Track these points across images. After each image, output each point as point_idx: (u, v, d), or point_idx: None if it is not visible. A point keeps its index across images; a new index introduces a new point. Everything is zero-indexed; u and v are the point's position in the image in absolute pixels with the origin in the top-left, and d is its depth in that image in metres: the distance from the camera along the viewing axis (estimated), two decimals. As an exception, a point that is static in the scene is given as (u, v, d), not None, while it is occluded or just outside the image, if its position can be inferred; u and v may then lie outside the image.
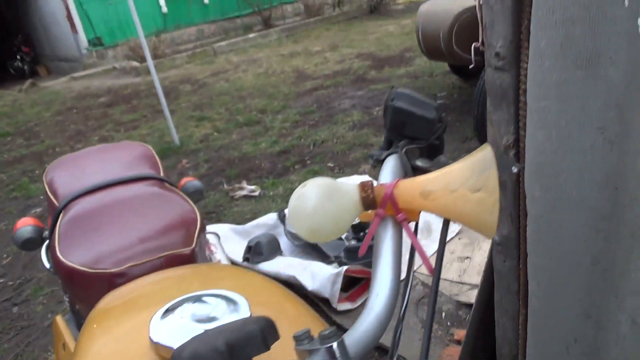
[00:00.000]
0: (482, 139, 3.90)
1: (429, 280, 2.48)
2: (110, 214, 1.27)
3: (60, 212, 1.32)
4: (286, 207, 3.16)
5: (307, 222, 0.49)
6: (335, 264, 2.42)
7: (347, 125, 4.53)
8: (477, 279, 2.61)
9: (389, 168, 0.54)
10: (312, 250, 2.60)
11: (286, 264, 2.39)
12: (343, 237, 2.68)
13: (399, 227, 0.51)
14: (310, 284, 2.27)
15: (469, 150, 2.92)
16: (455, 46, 3.86)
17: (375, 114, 4.81)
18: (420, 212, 0.51)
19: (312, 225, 0.49)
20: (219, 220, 3.24)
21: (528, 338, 1.09)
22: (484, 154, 0.46)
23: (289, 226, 2.81)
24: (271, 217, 2.98)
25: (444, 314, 2.36)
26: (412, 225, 0.50)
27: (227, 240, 2.74)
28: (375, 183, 0.51)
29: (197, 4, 11.31)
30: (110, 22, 10.37)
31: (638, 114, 0.77)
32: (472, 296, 2.38)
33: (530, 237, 0.99)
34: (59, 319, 1.29)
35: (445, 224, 0.50)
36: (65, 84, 9.20)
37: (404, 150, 0.55)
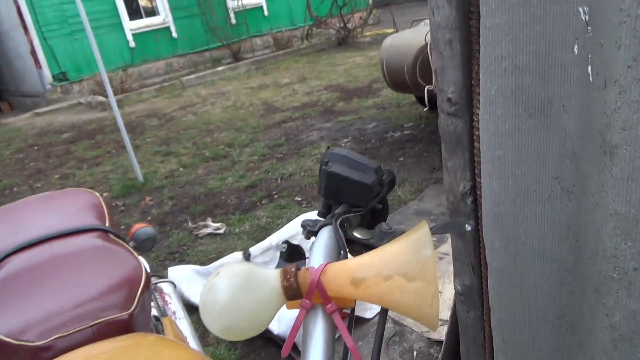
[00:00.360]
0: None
1: (399, 318, 2.41)
2: (43, 274, 1.16)
3: (-5, 270, 1.21)
4: (252, 245, 3.06)
5: (220, 320, 0.41)
6: (301, 307, 2.33)
7: (315, 158, 4.49)
8: (447, 313, 2.55)
9: (320, 246, 0.48)
10: (278, 292, 2.50)
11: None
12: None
13: (329, 316, 0.44)
14: (276, 328, 2.18)
15: (437, 181, 2.88)
16: (420, 79, 3.89)
17: (342, 145, 4.79)
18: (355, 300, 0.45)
19: (225, 323, 0.41)
20: (182, 261, 3.11)
21: (497, 395, 1.02)
22: (420, 235, 0.39)
23: (254, 264, 2.72)
24: (236, 257, 2.87)
25: (415, 353, 2.28)
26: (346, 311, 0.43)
27: (190, 283, 2.62)
28: (301, 266, 0.44)
29: (165, 38, 11.28)
30: (75, 57, 10.22)
31: (593, 165, 0.73)
32: (443, 332, 2.31)
33: (492, 290, 0.93)
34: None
35: (384, 313, 0.43)
36: (28, 120, 8.95)
37: (339, 221, 0.49)
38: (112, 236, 1.35)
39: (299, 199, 3.78)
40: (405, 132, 4.92)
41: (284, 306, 0.41)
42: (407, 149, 4.47)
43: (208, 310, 0.42)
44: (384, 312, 0.44)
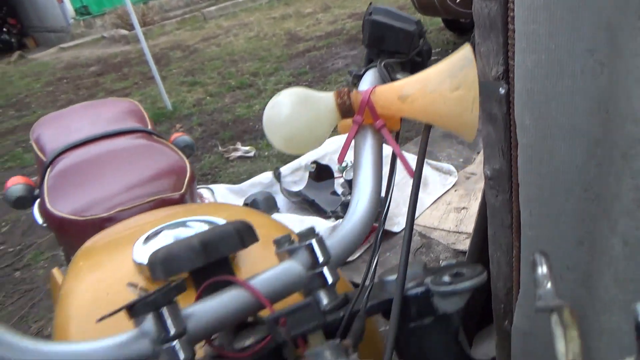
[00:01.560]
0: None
1: (426, 231, 2.50)
2: (97, 166, 1.26)
3: (48, 166, 1.31)
4: (282, 166, 3.15)
5: (282, 131, 0.47)
6: (332, 219, 2.43)
7: (341, 85, 4.48)
8: (471, 227, 2.63)
9: (368, 78, 0.53)
10: (309, 207, 2.61)
11: (283, 220, 2.40)
12: (339, 192, 2.69)
13: (378, 135, 0.50)
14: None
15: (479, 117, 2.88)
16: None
17: (369, 72, 4.74)
18: (400, 119, 0.50)
19: (287, 134, 0.47)
20: (214, 181, 3.23)
21: (521, 269, 1.09)
22: (462, 53, 0.44)
23: (284, 183, 2.81)
24: (267, 176, 2.97)
25: (442, 262, 2.39)
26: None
27: (223, 199, 2.74)
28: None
29: (185, -32, 10.99)
30: (96, -10, 10.11)
31: (628, 31, 0.75)
32: (467, 244, 2.40)
33: (521, 167, 0.97)
34: (55, 271, 1.30)
35: (426, 129, 0.49)
36: (54, 55, 9.03)
37: (382, 63, 0.53)
38: (155, 137, 1.43)
39: (326, 124, 3.82)
40: (432, 59, 4.84)
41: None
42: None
43: (272, 122, 0.48)
44: (427, 128, 0.49)
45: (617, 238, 0.88)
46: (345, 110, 0.47)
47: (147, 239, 0.60)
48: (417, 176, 0.45)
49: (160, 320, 0.34)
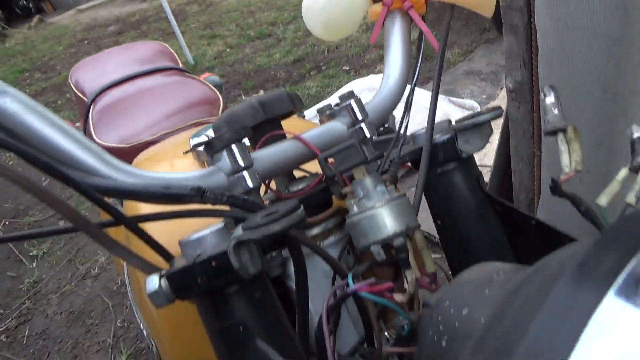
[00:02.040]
0: (499, 27, 3.79)
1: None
2: (137, 100, 1.33)
3: (90, 105, 1.39)
4: (305, 110, 3.20)
5: (321, 17, 0.53)
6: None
7: (360, 29, 4.43)
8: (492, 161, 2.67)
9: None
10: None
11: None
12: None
13: (406, 18, 0.55)
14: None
15: (487, 41, 2.85)
16: None
17: (388, 14, 4.66)
18: (426, 2, 0.55)
19: (325, 20, 0.53)
20: (241, 129, 3.31)
21: (543, 177, 1.15)
22: None
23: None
24: (291, 120, 3.03)
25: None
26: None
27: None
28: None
29: None
30: (108, -52, 9.98)
31: None
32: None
33: (542, 73, 1.01)
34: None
35: (450, 8, 0.54)
36: (73, 17, 9.08)
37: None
38: (187, 74, 1.50)
39: (347, 68, 3.82)
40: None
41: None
42: (455, 12, 4.31)
43: (311, 10, 0.53)
44: (450, 9, 0.54)
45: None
46: (377, -8, 0.53)
47: (198, 134, 0.67)
48: (442, 48, 0.50)
49: (232, 155, 0.41)
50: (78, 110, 1.58)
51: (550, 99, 0.40)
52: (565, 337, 0.24)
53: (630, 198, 0.39)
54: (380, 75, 2.78)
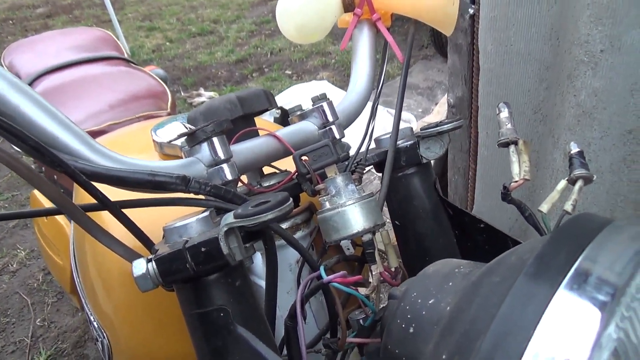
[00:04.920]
0: (437, 45, 3.98)
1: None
2: (80, 88, 1.28)
3: (27, 89, 1.32)
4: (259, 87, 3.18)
5: (295, 19, 0.55)
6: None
7: (304, 34, 4.48)
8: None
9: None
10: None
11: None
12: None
13: (373, 28, 0.59)
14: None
15: (425, 57, 2.98)
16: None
17: (332, 22, 4.75)
18: (392, 15, 0.59)
19: (299, 22, 0.55)
20: (179, 126, 3.24)
21: (476, 188, 1.23)
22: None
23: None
24: (232, 120, 3.01)
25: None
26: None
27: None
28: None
29: None
30: None
31: (580, -36, 0.86)
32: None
33: (481, 90, 1.09)
34: (36, 193, 1.33)
35: (413, 24, 0.58)
36: (-5, -5, 8.44)
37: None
38: (133, 65, 1.46)
39: (289, 72, 3.85)
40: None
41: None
42: (397, 27, 4.47)
43: (286, 12, 0.55)
44: (414, 24, 0.58)
45: (559, 152, 1.02)
46: (348, 4, 0.56)
47: (160, 126, 0.67)
48: (407, 60, 0.54)
49: (213, 147, 0.42)
50: (10, 94, 1.49)
51: (504, 114, 0.45)
52: (528, 320, 0.28)
53: (568, 206, 0.44)
54: (323, 82, 2.86)
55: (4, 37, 5.81)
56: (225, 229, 0.33)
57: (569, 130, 0.97)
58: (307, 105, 0.55)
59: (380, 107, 3.37)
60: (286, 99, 3.28)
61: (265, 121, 0.74)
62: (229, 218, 0.34)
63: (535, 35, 0.99)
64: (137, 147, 0.76)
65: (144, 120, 1.09)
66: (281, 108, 2.95)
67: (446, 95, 1.30)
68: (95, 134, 1.08)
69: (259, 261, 0.50)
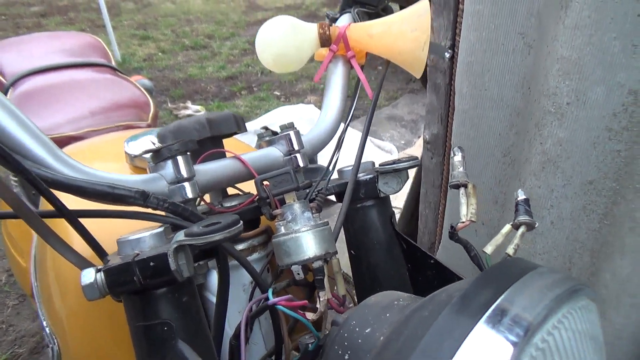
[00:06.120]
0: (424, 82, 4.08)
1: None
2: (63, 91, 1.29)
3: (9, 88, 1.32)
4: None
5: (272, 49, 0.58)
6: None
7: (296, 57, 4.55)
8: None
9: (342, 21, 0.64)
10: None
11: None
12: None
13: (347, 65, 0.61)
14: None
15: (412, 91, 3.05)
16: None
17: (324, 48, 4.83)
18: (366, 54, 0.62)
19: (276, 53, 0.58)
20: (162, 136, 3.24)
21: (445, 224, 1.26)
22: (420, 4, 0.56)
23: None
24: (216, 135, 3.02)
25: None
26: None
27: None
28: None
29: None
30: None
31: (552, 19, 0.91)
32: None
33: (455, 130, 1.13)
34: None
35: (386, 64, 0.61)
36: (-8, -11, 8.41)
37: (355, 10, 0.65)
38: (119, 73, 1.48)
39: (278, 94, 3.89)
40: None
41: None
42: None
43: (265, 42, 0.58)
44: (386, 64, 0.61)
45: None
46: (325, 39, 0.58)
47: (134, 138, 0.68)
48: (375, 97, 0.57)
49: (176, 165, 0.43)
50: (-8, 90, 1.49)
51: (458, 158, 0.48)
52: (446, 351, 0.30)
53: (510, 250, 0.47)
54: (310, 105, 2.90)
55: (-5, 32, 5.78)
56: (175, 245, 0.35)
57: (534, 176, 1.01)
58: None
59: (354, 131, 3.41)
60: (272, 119, 3.32)
61: (237, 141, 0.76)
62: (179, 236, 0.35)
63: (509, 82, 1.03)
64: (110, 156, 0.77)
65: (123, 129, 1.10)
66: (266, 128, 3.04)
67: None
68: (72, 139, 1.09)
69: (214, 279, 0.52)
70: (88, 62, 1.45)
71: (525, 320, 0.30)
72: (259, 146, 0.56)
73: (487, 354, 0.29)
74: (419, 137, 3.56)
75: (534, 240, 1.06)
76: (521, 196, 0.47)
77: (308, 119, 3.32)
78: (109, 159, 0.77)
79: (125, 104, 1.25)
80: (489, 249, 0.46)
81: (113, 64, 1.54)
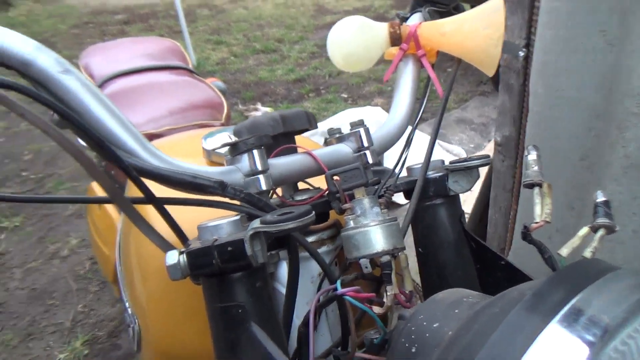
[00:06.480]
0: (495, 83, 3.95)
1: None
2: (145, 93, 1.37)
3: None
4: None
5: (344, 49, 0.59)
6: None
7: (364, 60, 4.55)
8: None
9: (413, 20, 0.64)
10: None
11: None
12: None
13: (418, 64, 0.62)
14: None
15: (482, 93, 2.97)
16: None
17: (392, 51, 4.80)
18: (437, 52, 0.62)
19: (347, 52, 0.59)
20: (232, 137, 3.36)
21: (516, 229, 1.22)
22: (494, 2, 0.55)
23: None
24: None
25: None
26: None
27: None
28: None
29: None
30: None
31: (637, 18, 0.86)
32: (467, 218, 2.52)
33: (529, 132, 1.09)
34: (94, 184, 1.43)
35: (457, 62, 0.60)
36: (82, -1, 9.08)
37: (426, 9, 0.65)
38: (196, 75, 1.55)
39: (345, 96, 3.92)
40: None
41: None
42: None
43: (335, 42, 0.59)
44: (457, 62, 0.61)
45: (604, 201, 1.00)
46: (395, 38, 0.59)
47: (210, 135, 0.72)
48: (446, 94, 0.57)
49: (252, 158, 0.46)
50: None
51: (532, 156, 0.47)
52: (517, 348, 0.29)
53: (587, 253, 0.45)
54: (377, 108, 2.90)
55: (83, 38, 6.23)
56: (251, 232, 0.37)
57: (615, 181, 0.96)
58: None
59: (422, 134, 3.35)
60: (339, 121, 3.34)
61: (307, 139, 0.78)
62: (255, 223, 0.37)
63: (588, 83, 0.98)
64: (187, 152, 0.81)
65: (199, 128, 1.15)
66: (331, 129, 2.97)
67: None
68: (153, 136, 1.16)
69: (283, 270, 0.54)
70: (167, 65, 1.53)
71: (603, 322, 0.29)
72: (328, 143, 0.58)
73: (560, 354, 0.28)
74: (489, 140, 3.45)
75: (613, 249, 1.00)
76: (601, 198, 0.45)
77: (375, 121, 3.31)
78: (187, 154, 0.81)
79: (201, 104, 1.31)
80: (564, 251, 0.45)
81: (190, 67, 1.62)
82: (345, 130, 0.58)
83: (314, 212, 0.38)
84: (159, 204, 0.40)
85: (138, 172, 0.39)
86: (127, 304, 0.67)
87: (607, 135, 0.98)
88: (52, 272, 2.29)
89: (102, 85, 1.44)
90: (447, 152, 3.16)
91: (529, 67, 1.10)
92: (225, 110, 1.35)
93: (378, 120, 3.37)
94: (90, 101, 0.39)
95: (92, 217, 1.38)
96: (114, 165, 0.38)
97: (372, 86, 3.99)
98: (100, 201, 0.42)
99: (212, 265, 0.38)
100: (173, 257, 0.38)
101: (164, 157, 0.43)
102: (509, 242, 1.29)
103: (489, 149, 3.36)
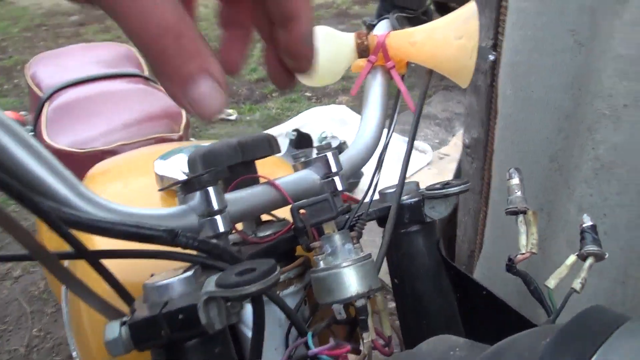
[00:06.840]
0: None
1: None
2: (97, 104, 1.29)
3: (45, 101, 1.33)
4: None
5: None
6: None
7: (327, 57, 4.51)
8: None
9: (380, 28, 0.60)
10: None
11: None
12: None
13: (386, 76, 0.57)
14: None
15: (446, 88, 2.96)
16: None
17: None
18: (407, 63, 0.57)
19: (311, 66, 0.54)
20: (195, 141, 3.26)
21: (486, 232, 1.20)
22: (467, 7, 0.51)
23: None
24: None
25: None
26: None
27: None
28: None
29: None
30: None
31: (607, 15, 0.84)
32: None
33: (497, 135, 1.07)
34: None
35: (428, 74, 0.56)
36: (34, 0, 8.70)
37: (394, 16, 0.61)
38: (152, 82, 1.47)
39: (309, 95, 3.87)
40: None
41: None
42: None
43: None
44: (429, 73, 0.57)
45: (573, 204, 0.98)
46: (362, 50, 0.54)
47: (165, 155, 0.66)
48: (418, 110, 0.53)
49: (207, 197, 0.40)
50: (30, 104, 1.51)
51: (515, 181, 0.43)
52: None
53: (576, 284, 0.42)
54: (341, 106, 2.85)
55: (35, 42, 5.97)
56: (205, 297, 0.31)
57: (585, 183, 0.94)
58: (323, 128, 0.53)
59: (397, 136, 3.34)
60: (304, 121, 3.29)
61: (275, 158, 0.72)
62: (209, 286, 0.32)
63: (557, 84, 0.96)
64: (140, 173, 0.75)
65: (155, 143, 1.09)
66: (297, 130, 2.99)
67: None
68: (105, 153, 1.08)
69: (249, 311, 0.48)
70: (121, 72, 1.45)
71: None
72: (294, 168, 0.52)
73: None
74: (454, 135, 3.46)
75: (587, 252, 0.99)
76: (587, 222, 0.42)
77: (340, 120, 3.28)
78: (140, 175, 0.75)
79: (157, 115, 1.24)
80: (551, 282, 0.41)
81: (146, 73, 1.53)
82: (315, 135, 0.53)
83: (279, 269, 0.33)
84: (95, 260, 0.34)
85: (70, 225, 0.33)
86: (72, 347, 0.60)
87: (577, 137, 0.96)
88: (3, 295, 2.15)
89: (50, 96, 1.35)
90: (413, 149, 3.15)
91: (497, 68, 1.07)
92: (184, 120, 1.28)
93: (343, 119, 3.34)
94: (7, 141, 0.33)
95: (41, 235, 1.30)
96: (39, 217, 0.32)
97: (337, 84, 3.95)
98: (20, 258, 0.35)
99: (160, 337, 0.32)
100: (113, 330, 0.33)
101: (102, 202, 0.37)
102: (479, 245, 1.28)
103: (453, 144, 3.37)
